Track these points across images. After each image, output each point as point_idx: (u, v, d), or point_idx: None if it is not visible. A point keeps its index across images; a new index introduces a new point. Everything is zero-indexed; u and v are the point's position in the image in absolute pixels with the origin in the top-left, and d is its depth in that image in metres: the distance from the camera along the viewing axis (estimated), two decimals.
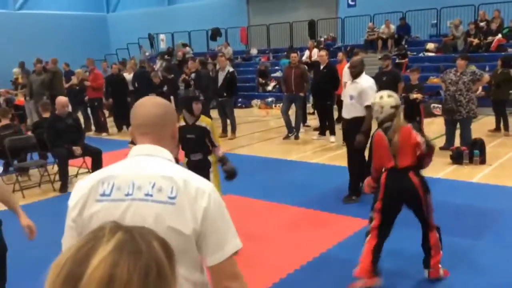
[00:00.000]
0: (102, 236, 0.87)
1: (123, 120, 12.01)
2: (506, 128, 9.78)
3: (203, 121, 4.67)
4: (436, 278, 3.93)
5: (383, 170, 3.96)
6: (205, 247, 1.52)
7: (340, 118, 10.84)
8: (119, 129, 12.48)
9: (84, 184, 1.59)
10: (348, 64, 9.34)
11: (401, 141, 3.82)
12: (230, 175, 4.76)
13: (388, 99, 3.97)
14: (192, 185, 1.52)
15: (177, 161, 4.63)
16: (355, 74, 6.01)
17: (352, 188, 6.14)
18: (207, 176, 4.67)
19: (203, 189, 1.53)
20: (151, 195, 1.51)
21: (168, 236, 1.36)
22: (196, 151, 4.67)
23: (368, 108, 5.74)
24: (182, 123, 4.63)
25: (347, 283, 3.95)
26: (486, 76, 8.46)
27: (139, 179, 1.54)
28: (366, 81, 5.98)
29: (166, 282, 0.87)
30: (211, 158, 4.79)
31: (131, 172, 1.57)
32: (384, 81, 8.71)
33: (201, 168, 4.51)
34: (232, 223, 1.58)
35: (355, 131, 5.94)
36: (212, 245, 1.52)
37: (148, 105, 1.68)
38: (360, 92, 5.87)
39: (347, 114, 6.09)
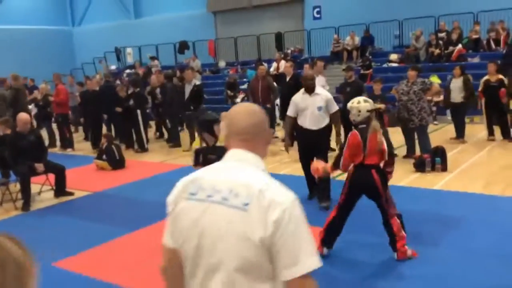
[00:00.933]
0: None
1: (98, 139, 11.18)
2: (462, 135, 9.98)
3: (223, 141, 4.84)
4: (405, 259, 4.44)
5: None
6: (277, 261, 1.50)
7: None
8: (95, 147, 11.13)
9: (180, 183, 1.71)
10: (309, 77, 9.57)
11: (378, 142, 4.35)
12: None
13: (364, 103, 4.46)
14: (267, 195, 1.52)
15: None
16: (313, 87, 6.24)
17: (325, 193, 6.26)
18: None
19: (278, 202, 1.51)
20: (227, 199, 1.56)
21: (238, 241, 1.52)
22: None
23: (337, 112, 6.31)
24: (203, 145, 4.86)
25: None
26: (436, 85, 8.72)
27: (221, 183, 1.61)
28: (325, 91, 6.46)
29: (26, 272, 0.94)
30: None
31: (216, 175, 1.65)
32: (348, 92, 8.88)
33: None
34: (312, 240, 1.54)
35: (325, 138, 6.37)
36: (283, 261, 1.49)
37: (245, 113, 1.73)
38: (327, 101, 6.27)
39: (315, 125, 6.22)
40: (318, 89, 6.34)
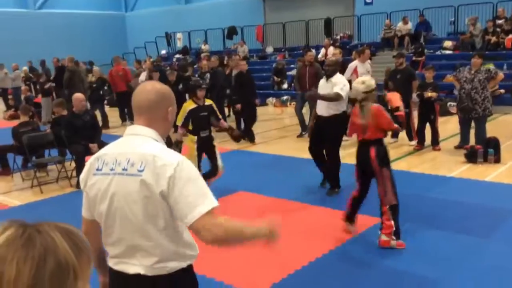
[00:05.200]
0: None
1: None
2: None
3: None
4: (386, 247, 4.45)
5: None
6: (176, 210, 1.78)
7: None
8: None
9: (88, 162, 1.99)
10: (358, 62, 9.36)
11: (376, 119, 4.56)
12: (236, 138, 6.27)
13: (361, 85, 4.62)
14: (160, 158, 1.80)
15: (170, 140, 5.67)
16: (329, 73, 6.18)
17: (333, 180, 6.38)
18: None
19: (170, 161, 1.79)
20: (126, 170, 1.84)
21: (141, 201, 1.81)
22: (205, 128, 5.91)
23: (336, 93, 5.97)
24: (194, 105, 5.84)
25: (353, 280, 3.99)
26: (501, 74, 8.35)
27: (120, 156, 1.87)
28: (341, 77, 6.23)
29: (68, 272, 0.83)
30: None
31: (116, 150, 1.91)
32: (398, 79, 8.70)
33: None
34: (205, 187, 1.82)
35: (334, 127, 6.13)
36: (183, 209, 1.76)
37: (144, 91, 1.96)
38: (333, 86, 6.06)
39: (325, 112, 6.15)
40: (336, 76, 6.16)
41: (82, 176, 1.97)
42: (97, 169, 1.90)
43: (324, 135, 6.22)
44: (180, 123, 5.76)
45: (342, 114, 6.15)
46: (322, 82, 6.37)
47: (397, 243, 4.46)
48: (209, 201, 1.77)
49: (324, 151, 6.38)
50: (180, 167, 1.78)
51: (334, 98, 5.99)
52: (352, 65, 9.40)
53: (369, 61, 9.82)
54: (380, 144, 4.58)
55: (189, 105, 5.87)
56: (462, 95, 8.00)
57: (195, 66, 15.14)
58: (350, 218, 4.91)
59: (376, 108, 4.54)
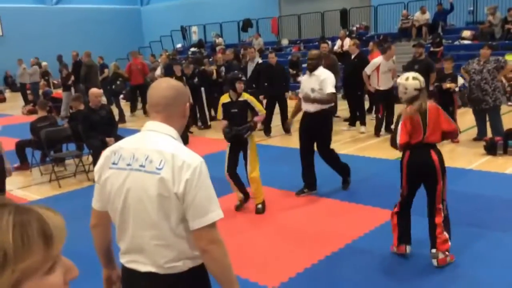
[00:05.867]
0: None
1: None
2: None
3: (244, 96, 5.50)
4: (444, 265, 4.00)
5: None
6: (189, 213, 1.79)
7: (371, 109, 10.75)
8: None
9: (103, 154, 1.97)
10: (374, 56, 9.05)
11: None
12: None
13: (413, 81, 4.05)
14: (180, 158, 1.80)
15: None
16: (312, 67, 5.89)
17: (342, 173, 6.26)
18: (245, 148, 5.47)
19: (189, 163, 1.79)
20: (144, 166, 1.82)
21: (157, 199, 1.80)
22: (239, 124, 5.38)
23: (331, 94, 5.74)
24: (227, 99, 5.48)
25: (370, 274, 3.96)
26: (511, 63, 8.22)
27: (138, 152, 1.86)
28: (325, 71, 5.92)
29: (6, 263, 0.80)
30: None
31: (134, 145, 1.90)
32: (416, 70, 8.54)
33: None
34: (215, 195, 1.85)
35: (322, 123, 5.92)
36: (194, 212, 1.78)
37: (160, 88, 1.96)
38: (320, 82, 5.78)
39: (312, 107, 5.84)
40: (319, 69, 5.89)
41: (96, 168, 1.96)
42: (113, 163, 1.89)
43: (312, 132, 5.97)
44: (220, 117, 5.55)
45: (329, 109, 5.95)
46: (305, 77, 6.07)
47: (451, 257, 4.02)
48: (217, 213, 1.82)
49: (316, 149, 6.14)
50: (199, 170, 1.79)
51: (329, 100, 5.77)
52: (376, 62, 9.02)
53: (394, 58, 9.51)
54: (437, 147, 4.09)
55: (224, 98, 5.55)
56: (472, 86, 7.93)
57: (210, 59, 15.15)
58: (404, 240, 4.22)
59: (435, 106, 4.08)
